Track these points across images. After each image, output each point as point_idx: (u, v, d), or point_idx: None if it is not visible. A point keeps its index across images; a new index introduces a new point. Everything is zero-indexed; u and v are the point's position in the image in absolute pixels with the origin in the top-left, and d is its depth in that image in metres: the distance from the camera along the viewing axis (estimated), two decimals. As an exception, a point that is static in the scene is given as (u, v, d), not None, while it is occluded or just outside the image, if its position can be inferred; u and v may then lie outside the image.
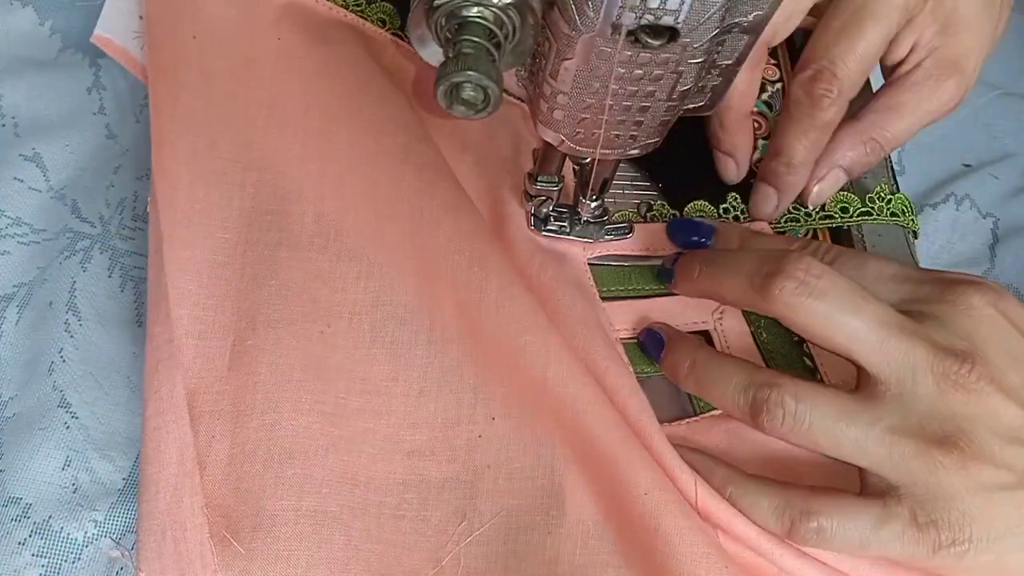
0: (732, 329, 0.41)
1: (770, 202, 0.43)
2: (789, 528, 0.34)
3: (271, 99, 0.41)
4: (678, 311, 0.41)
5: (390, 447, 0.36)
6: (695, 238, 0.42)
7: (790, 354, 0.41)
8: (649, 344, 0.40)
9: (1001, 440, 0.33)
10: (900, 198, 0.45)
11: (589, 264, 0.42)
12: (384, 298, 0.38)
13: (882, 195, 0.45)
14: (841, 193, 0.45)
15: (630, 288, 0.42)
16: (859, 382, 0.35)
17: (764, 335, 0.41)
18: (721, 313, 0.41)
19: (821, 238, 0.44)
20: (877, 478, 0.34)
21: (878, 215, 0.44)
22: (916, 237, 0.45)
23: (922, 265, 0.45)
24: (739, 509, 0.35)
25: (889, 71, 0.43)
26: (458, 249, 0.38)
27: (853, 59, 0.40)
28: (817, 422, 0.34)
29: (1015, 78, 0.55)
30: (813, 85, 0.41)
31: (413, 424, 0.36)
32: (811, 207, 0.44)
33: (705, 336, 0.41)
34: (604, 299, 0.41)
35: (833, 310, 0.34)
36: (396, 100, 0.42)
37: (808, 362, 0.41)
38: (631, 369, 0.39)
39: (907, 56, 0.42)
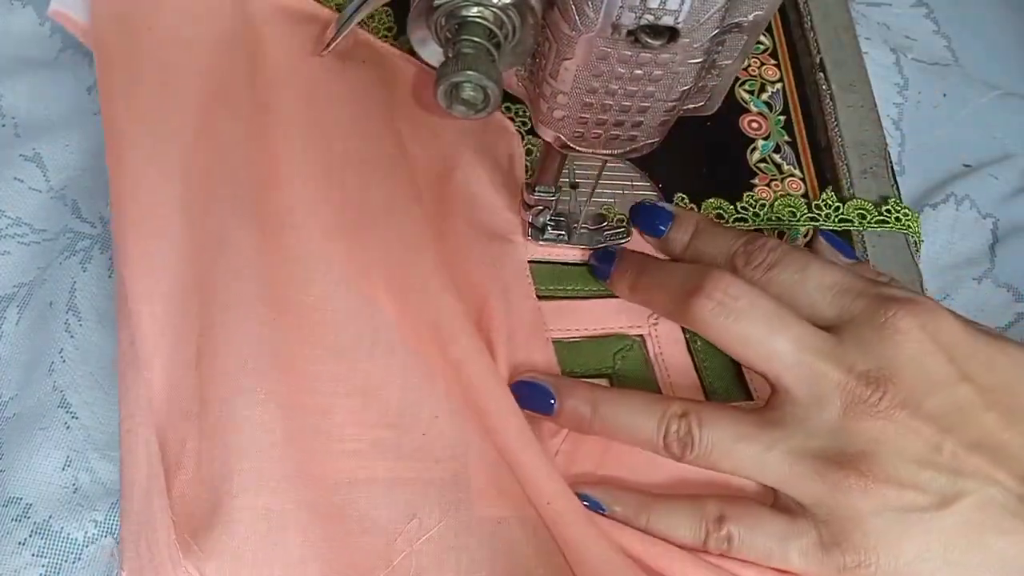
0: (666, 335, 0.41)
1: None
2: (704, 537, 0.35)
3: (233, 92, 0.41)
4: (613, 314, 0.41)
5: (337, 446, 0.36)
6: (660, 226, 0.41)
7: (723, 362, 0.40)
8: (533, 399, 0.37)
9: (910, 464, 0.33)
10: (915, 217, 0.45)
11: (530, 263, 0.42)
12: (328, 305, 0.38)
13: (896, 206, 0.45)
14: (855, 200, 0.45)
15: (568, 289, 0.42)
16: (770, 400, 0.35)
17: (698, 342, 0.41)
18: (656, 319, 0.41)
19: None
20: (786, 496, 0.35)
21: (894, 226, 0.44)
22: (918, 249, 0.45)
23: (922, 266, 0.45)
24: (657, 533, 0.35)
25: None
26: (406, 247, 0.38)
27: None
28: (717, 444, 0.34)
29: (1015, 78, 0.55)
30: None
31: (358, 424, 0.36)
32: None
33: (639, 341, 0.41)
34: (541, 298, 0.41)
35: (749, 331, 0.34)
36: (360, 101, 0.42)
37: (742, 377, 0.40)
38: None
39: None
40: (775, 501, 0.36)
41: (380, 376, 0.37)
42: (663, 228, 0.41)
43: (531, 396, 0.37)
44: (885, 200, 0.45)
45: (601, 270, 0.41)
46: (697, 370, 0.40)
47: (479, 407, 0.36)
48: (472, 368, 0.36)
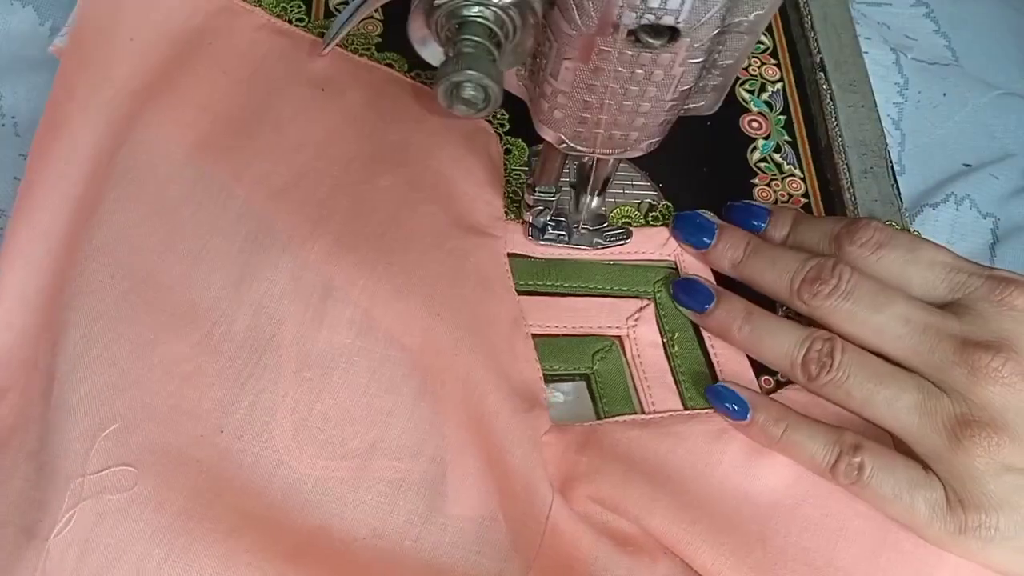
0: (644, 337, 0.41)
1: None
2: (835, 459, 0.35)
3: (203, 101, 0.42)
4: (593, 312, 0.41)
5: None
6: (757, 223, 0.42)
7: (698, 369, 0.40)
8: (692, 296, 0.40)
9: None
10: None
11: (510, 257, 0.41)
12: (217, 330, 0.37)
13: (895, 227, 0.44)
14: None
15: (548, 283, 0.42)
16: None
17: (676, 347, 0.41)
18: (635, 321, 0.41)
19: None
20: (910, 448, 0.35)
21: None
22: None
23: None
24: (791, 444, 0.36)
25: None
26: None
27: None
28: (854, 374, 0.36)
29: (1015, 78, 0.55)
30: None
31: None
32: None
33: (618, 342, 0.41)
34: (520, 292, 0.41)
35: (857, 308, 0.36)
36: (322, 113, 0.42)
37: (715, 379, 0.40)
38: (536, 366, 0.39)
39: None
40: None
41: (266, 404, 0.36)
42: (761, 225, 0.42)
43: (691, 295, 0.40)
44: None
45: (694, 236, 0.42)
46: (673, 374, 0.40)
47: (463, 400, 0.36)
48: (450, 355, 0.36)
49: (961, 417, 0.34)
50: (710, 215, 0.42)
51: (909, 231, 0.45)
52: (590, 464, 0.37)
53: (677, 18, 0.28)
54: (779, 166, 0.47)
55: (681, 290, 0.41)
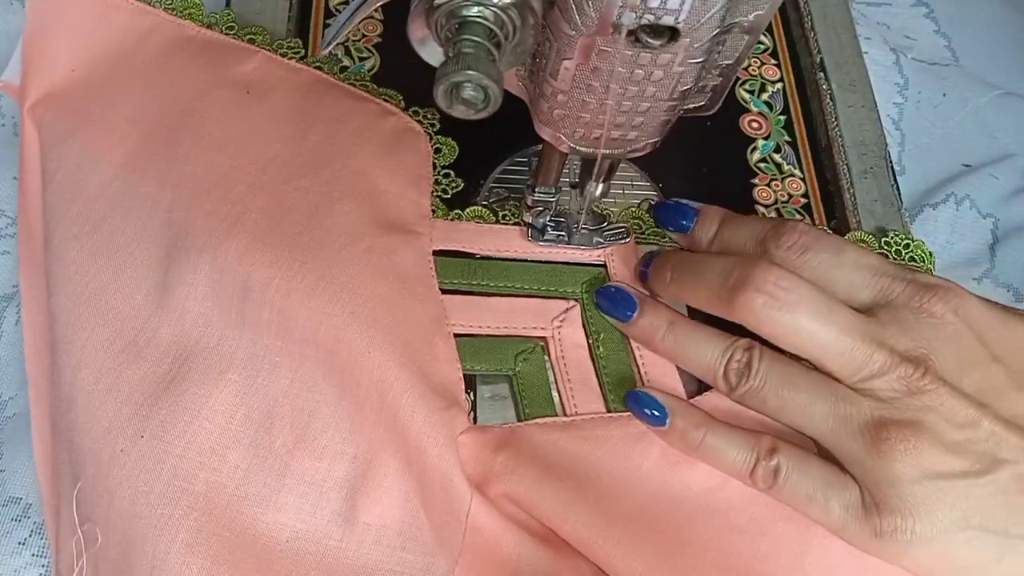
0: (569, 339, 0.40)
1: None
2: (753, 464, 0.35)
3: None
4: (518, 313, 0.41)
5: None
6: (684, 222, 0.41)
7: (623, 371, 0.40)
8: (613, 300, 0.40)
9: (951, 431, 0.33)
10: (919, 244, 0.44)
11: (436, 255, 0.41)
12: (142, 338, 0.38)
13: (898, 239, 0.44)
14: (858, 233, 0.44)
15: (474, 283, 0.41)
16: None
17: (601, 348, 0.40)
18: (561, 322, 0.41)
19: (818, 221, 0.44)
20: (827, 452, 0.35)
21: (895, 259, 0.44)
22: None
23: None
24: (709, 450, 0.36)
25: None
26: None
27: None
28: (770, 381, 0.35)
29: (1015, 78, 0.55)
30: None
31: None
32: None
33: (542, 343, 0.41)
34: (445, 291, 0.41)
35: (802, 322, 0.35)
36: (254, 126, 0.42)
37: (640, 384, 0.39)
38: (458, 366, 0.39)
39: None
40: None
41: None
42: (688, 224, 0.41)
43: (614, 304, 0.40)
44: (884, 232, 0.45)
45: (643, 274, 0.41)
46: (598, 376, 0.40)
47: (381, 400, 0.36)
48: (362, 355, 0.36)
49: (879, 420, 0.34)
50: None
51: (909, 231, 0.45)
52: (506, 464, 0.36)
53: (677, 18, 0.28)
54: (779, 166, 0.47)
55: (605, 298, 0.40)
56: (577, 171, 0.41)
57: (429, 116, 0.45)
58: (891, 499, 0.33)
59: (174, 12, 0.46)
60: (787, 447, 0.36)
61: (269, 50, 0.46)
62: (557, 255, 0.42)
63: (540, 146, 0.38)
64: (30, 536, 0.36)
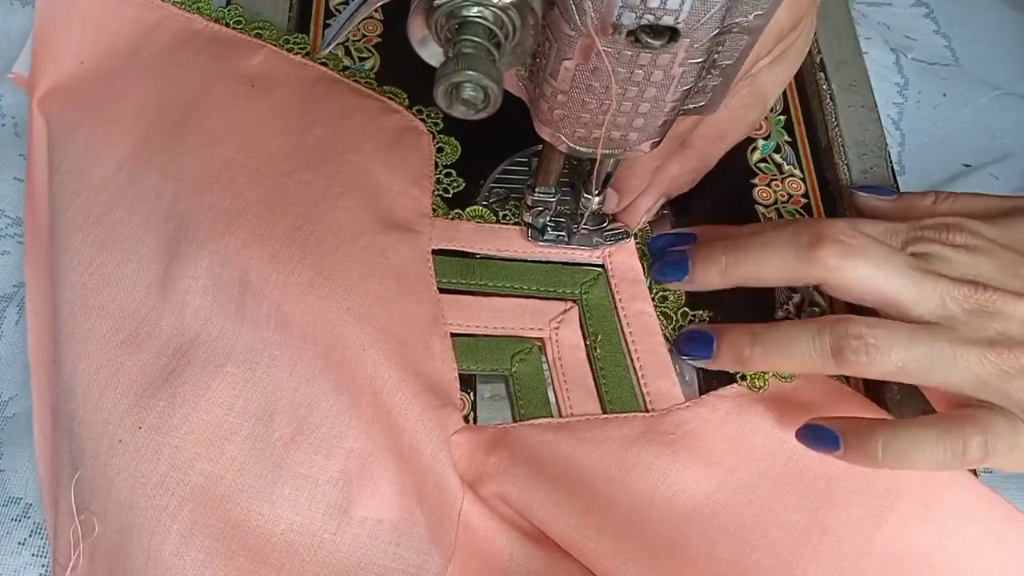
0: (566, 340, 0.40)
1: (611, 201, 0.42)
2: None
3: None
4: (516, 314, 0.41)
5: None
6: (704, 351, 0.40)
7: (620, 372, 0.40)
8: (691, 345, 0.39)
9: None
10: None
11: (436, 254, 0.41)
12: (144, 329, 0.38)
13: None
14: None
15: (472, 283, 0.41)
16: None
17: (598, 350, 0.40)
18: (558, 323, 0.41)
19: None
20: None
21: None
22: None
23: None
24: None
25: None
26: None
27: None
28: (893, 346, 0.35)
29: (1015, 78, 0.55)
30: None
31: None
32: (635, 229, 0.43)
33: (539, 344, 0.41)
34: (443, 291, 0.41)
35: (869, 266, 0.36)
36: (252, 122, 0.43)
37: (637, 389, 0.40)
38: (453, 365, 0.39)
39: None
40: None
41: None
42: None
43: (695, 343, 0.39)
44: None
45: (674, 269, 0.40)
46: (595, 378, 0.40)
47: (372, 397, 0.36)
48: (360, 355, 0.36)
49: (984, 340, 0.35)
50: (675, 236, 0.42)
51: None
52: (498, 464, 0.37)
53: (677, 18, 0.28)
54: (779, 166, 0.47)
55: (684, 345, 0.40)
56: (578, 172, 0.41)
57: (432, 115, 0.45)
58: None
59: (182, 6, 0.46)
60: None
61: (275, 45, 0.46)
62: (557, 255, 0.42)
63: (540, 146, 0.38)
64: (30, 536, 0.36)
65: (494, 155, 0.45)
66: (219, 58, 0.45)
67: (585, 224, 0.41)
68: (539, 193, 0.40)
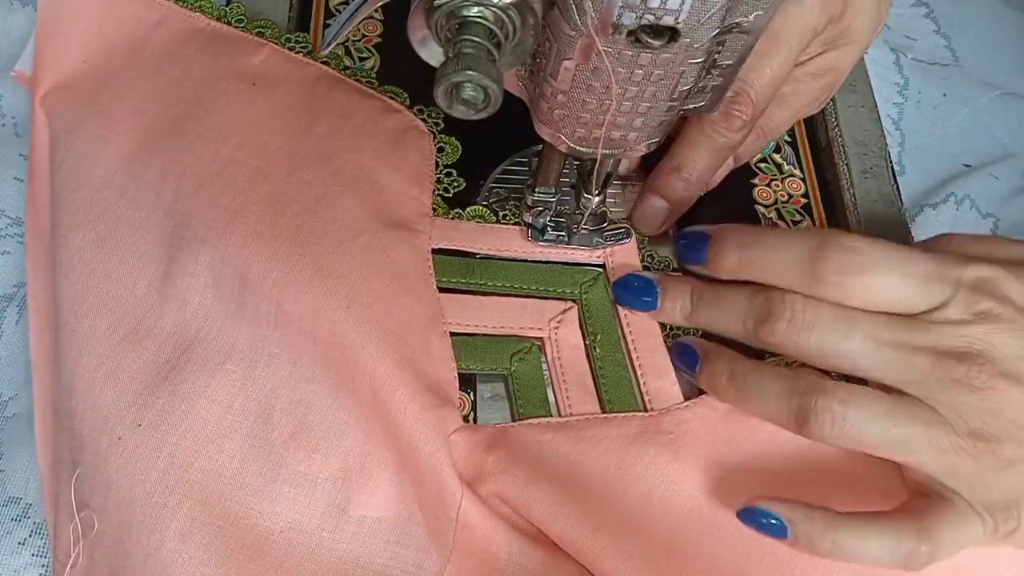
0: (566, 339, 0.40)
1: (659, 216, 0.42)
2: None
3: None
4: (515, 313, 0.41)
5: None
6: (698, 254, 0.39)
7: (620, 372, 0.40)
8: (681, 357, 0.39)
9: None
10: None
11: (436, 253, 0.41)
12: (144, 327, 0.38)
13: None
14: None
15: (472, 282, 0.41)
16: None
17: (598, 350, 0.40)
18: (558, 323, 0.41)
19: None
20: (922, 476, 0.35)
21: None
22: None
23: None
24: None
25: None
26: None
27: (765, 82, 0.38)
28: (863, 425, 0.34)
29: (1015, 78, 0.55)
30: (729, 106, 0.38)
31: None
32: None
33: (539, 344, 0.40)
34: (443, 290, 0.41)
35: (825, 339, 0.34)
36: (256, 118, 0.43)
37: (636, 389, 0.40)
38: (452, 364, 0.39)
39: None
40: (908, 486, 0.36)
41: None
42: (701, 256, 0.39)
43: (682, 356, 0.39)
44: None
45: (637, 301, 0.40)
46: (594, 378, 0.40)
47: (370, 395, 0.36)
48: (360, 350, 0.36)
49: (963, 431, 0.33)
50: (643, 274, 0.41)
51: (909, 231, 0.45)
52: (497, 464, 0.36)
53: (677, 18, 0.28)
54: (779, 166, 0.47)
55: (675, 355, 0.40)
56: (578, 172, 0.41)
57: (433, 115, 0.45)
58: (1008, 510, 0.34)
59: (184, 5, 0.46)
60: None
61: (277, 44, 0.46)
62: (556, 255, 0.42)
63: (540, 146, 0.38)
64: (30, 536, 0.36)
65: (494, 155, 0.45)
66: (220, 56, 0.45)
67: (585, 224, 0.41)
68: (539, 193, 0.40)
